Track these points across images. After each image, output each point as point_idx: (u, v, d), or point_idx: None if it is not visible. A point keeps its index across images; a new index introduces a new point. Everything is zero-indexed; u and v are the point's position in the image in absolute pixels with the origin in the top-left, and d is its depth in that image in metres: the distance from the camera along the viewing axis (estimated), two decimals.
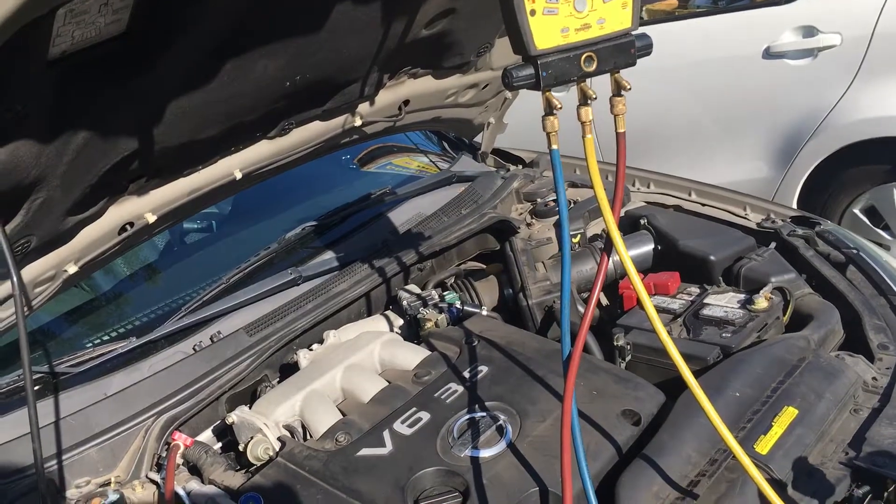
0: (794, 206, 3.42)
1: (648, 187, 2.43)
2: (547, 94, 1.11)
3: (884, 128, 3.04)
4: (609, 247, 1.22)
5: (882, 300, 1.77)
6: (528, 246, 2.11)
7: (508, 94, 2.45)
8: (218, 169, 1.73)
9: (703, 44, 3.57)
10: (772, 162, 3.44)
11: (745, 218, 2.16)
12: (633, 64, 1.14)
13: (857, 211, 3.31)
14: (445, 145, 2.83)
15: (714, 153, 3.61)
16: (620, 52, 1.12)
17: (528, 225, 2.26)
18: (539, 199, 2.35)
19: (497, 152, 2.76)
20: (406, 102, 2.07)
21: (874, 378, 1.55)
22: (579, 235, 2.15)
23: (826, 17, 3.15)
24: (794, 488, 1.30)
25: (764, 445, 1.34)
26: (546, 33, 1.06)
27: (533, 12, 1.04)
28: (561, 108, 1.11)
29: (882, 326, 1.69)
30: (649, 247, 2.06)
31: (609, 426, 1.42)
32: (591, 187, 1.22)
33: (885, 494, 1.33)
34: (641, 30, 3.51)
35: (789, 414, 1.41)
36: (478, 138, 2.73)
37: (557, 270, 2.01)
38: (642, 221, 2.12)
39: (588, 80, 1.15)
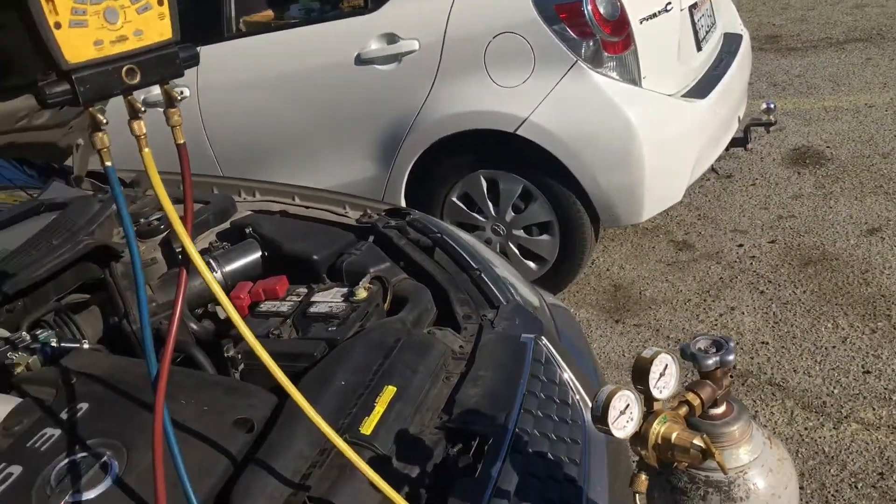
0: (403, 201, 3.69)
1: (254, 196, 2.45)
2: (91, 110, 1.06)
3: (463, 122, 3.40)
4: (186, 261, 1.20)
5: (465, 276, 1.97)
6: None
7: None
8: None
9: (301, 53, 3.69)
10: (378, 162, 3.68)
11: (345, 216, 2.28)
12: (181, 75, 1.14)
13: (455, 199, 3.67)
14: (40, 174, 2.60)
15: (325, 158, 3.76)
16: (165, 63, 1.11)
17: None
18: (142, 220, 2.25)
19: (94, 175, 2.59)
20: None
21: (461, 346, 1.72)
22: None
23: (405, 25, 3.44)
24: (399, 459, 1.40)
25: (368, 426, 1.43)
26: (77, 47, 1.01)
27: (58, 25, 0.99)
28: (107, 123, 1.07)
29: (466, 299, 1.89)
30: (256, 254, 2.08)
31: (222, 438, 1.41)
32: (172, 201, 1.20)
33: (484, 447, 1.49)
34: (237, 42, 3.52)
35: (389, 392, 1.51)
36: (70, 162, 2.54)
37: (164, 291, 1.95)
38: (248, 230, 2.13)
39: (141, 93, 1.12)
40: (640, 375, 1.04)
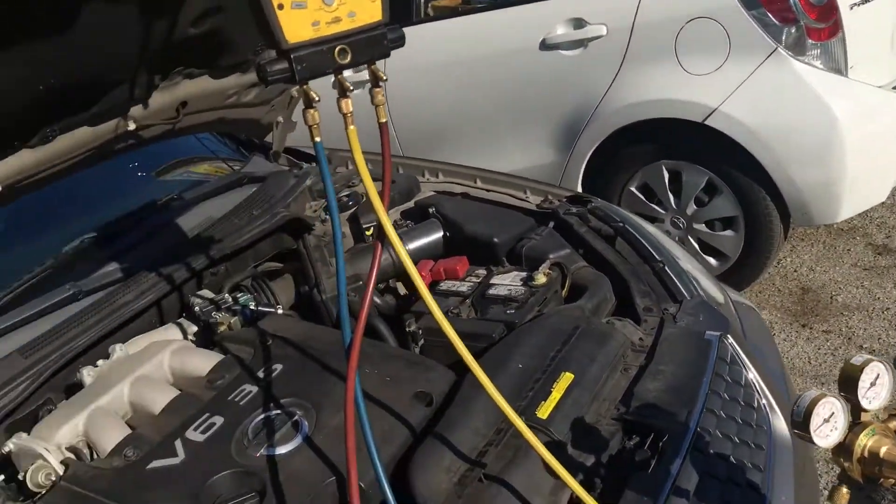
0: (580, 187, 3.64)
1: (437, 177, 2.50)
2: (305, 87, 1.12)
3: (648, 110, 3.30)
4: (382, 236, 1.25)
5: (646, 267, 1.93)
6: (322, 242, 2.12)
7: (294, 91, 2.43)
8: None
9: (487, 38, 3.71)
10: (556, 147, 3.65)
11: (525, 200, 2.28)
12: (388, 55, 1.18)
13: (633, 189, 3.58)
14: (242, 148, 2.78)
15: (505, 142, 3.77)
16: (374, 44, 1.15)
17: (323, 221, 2.27)
18: None
19: (290, 151, 2.74)
20: (184, 104, 2.01)
21: (641, 339, 1.69)
22: (373, 227, 2.19)
23: (593, 9, 3.37)
24: (574, 447, 1.40)
25: (544, 410, 1.43)
26: (296, 27, 1.07)
27: (281, 6, 1.05)
28: (319, 100, 1.12)
29: (647, 291, 1.84)
30: (438, 234, 2.13)
31: (402, 409, 1.46)
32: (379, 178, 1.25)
33: (659, 443, 1.45)
34: (426, 25, 3.59)
35: (566, 379, 1.50)
36: (269, 138, 2.70)
37: (352, 264, 2.04)
38: (431, 210, 2.19)
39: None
40: (848, 383, 0.97)
